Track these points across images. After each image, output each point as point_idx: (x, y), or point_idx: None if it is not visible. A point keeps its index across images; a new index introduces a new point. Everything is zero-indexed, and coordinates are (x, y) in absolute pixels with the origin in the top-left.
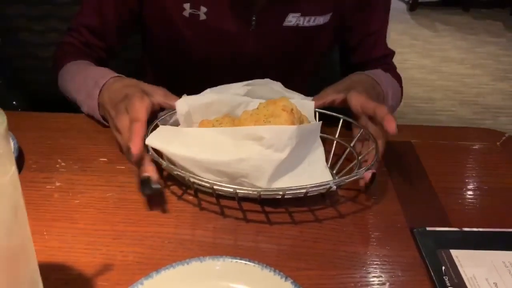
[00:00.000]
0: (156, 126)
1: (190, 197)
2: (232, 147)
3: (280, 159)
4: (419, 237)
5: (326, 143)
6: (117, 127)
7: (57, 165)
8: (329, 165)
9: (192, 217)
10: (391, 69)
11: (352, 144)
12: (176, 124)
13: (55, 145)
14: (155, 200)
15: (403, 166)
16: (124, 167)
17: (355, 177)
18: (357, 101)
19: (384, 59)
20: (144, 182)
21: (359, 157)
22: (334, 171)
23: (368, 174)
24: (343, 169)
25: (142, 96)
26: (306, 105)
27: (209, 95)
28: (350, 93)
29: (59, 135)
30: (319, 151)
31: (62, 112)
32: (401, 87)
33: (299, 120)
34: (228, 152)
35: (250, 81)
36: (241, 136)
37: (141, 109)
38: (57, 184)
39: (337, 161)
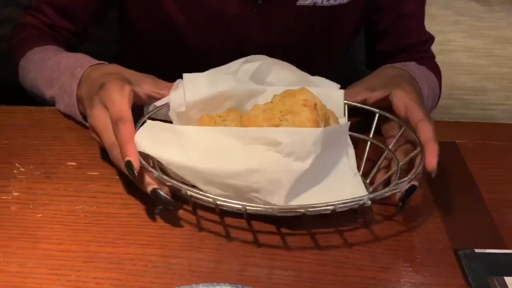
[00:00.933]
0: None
1: (185, 213)
2: (241, 154)
3: (301, 170)
4: (465, 261)
5: (358, 144)
6: (94, 128)
7: (15, 171)
8: (361, 172)
9: (184, 236)
10: (429, 59)
11: (390, 147)
12: (169, 119)
13: (12, 145)
14: (137, 214)
15: (446, 172)
16: (98, 173)
17: (394, 191)
18: (401, 102)
19: (421, 46)
20: (155, 197)
21: (400, 164)
22: (368, 181)
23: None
24: (379, 178)
25: (122, 85)
26: (332, 95)
27: (208, 85)
28: (395, 92)
29: (17, 133)
30: (349, 157)
31: (20, 105)
32: (440, 82)
33: (324, 117)
34: (235, 160)
35: (252, 56)
36: (252, 139)
37: (121, 103)
38: (15, 194)
39: (372, 167)
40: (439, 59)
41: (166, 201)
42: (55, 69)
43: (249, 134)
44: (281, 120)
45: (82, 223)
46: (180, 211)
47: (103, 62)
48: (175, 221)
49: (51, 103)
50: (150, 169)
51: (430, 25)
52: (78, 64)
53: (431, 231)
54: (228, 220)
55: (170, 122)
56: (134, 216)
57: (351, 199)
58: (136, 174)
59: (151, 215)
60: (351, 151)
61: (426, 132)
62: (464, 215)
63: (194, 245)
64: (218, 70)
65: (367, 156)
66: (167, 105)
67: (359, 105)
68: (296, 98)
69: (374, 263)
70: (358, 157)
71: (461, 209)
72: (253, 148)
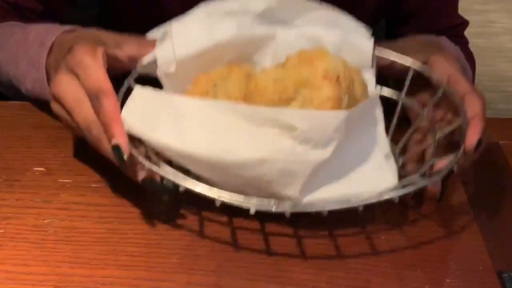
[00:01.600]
0: (130, 90)
1: (176, 227)
2: (248, 138)
3: (320, 159)
4: (510, 285)
5: (385, 107)
6: (60, 99)
7: None
8: (389, 137)
9: (175, 255)
10: (462, 45)
11: (425, 112)
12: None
13: None
14: (117, 229)
15: (487, 178)
16: (71, 181)
17: (432, 180)
18: (443, 69)
19: (453, 31)
20: (151, 187)
21: (437, 136)
22: (397, 150)
23: (442, 163)
24: (411, 153)
25: (93, 47)
26: (359, 46)
27: (203, 34)
28: (436, 58)
29: None
30: (379, 135)
31: None
32: (474, 72)
33: (348, 89)
34: (242, 147)
35: None
36: (262, 120)
37: (97, 70)
38: None
39: (402, 135)
40: (478, 43)
41: (165, 189)
42: (21, 43)
43: (258, 114)
44: (295, 93)
45: (52, 240)
46: (169, 225)
47: (78, 26)
48: (163, 237)
49: (16, 85)
50: (141, 159)
51: (467, 4)
52: (49, 31)
53: (470, 250)
54: (228, 232)
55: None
56: (114, 232)
57: (375, 194)
58: (125, 159)
59: (135, 230)
60: (381, 126)
61: (474, 105)
62: (509, 232)
63: (187, 266)
64: (214, 5)
65: (397, 121)
66: (153, 63)
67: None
68: (314, 66)
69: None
70: (386, 120)
71: (505, 223)
72: (263, 131)
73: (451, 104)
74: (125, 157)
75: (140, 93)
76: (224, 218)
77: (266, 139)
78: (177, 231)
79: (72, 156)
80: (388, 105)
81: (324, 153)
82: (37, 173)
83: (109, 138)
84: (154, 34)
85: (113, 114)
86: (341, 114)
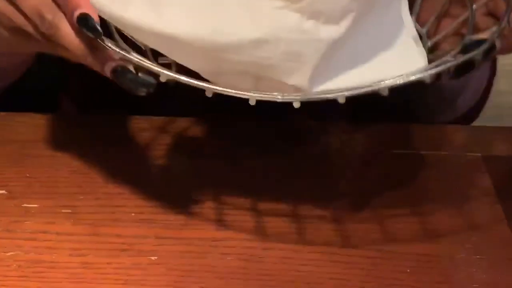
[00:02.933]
0: None
1: (161, 256)
2: (242, 12)
3: (333, 37)
4: None
5: None
6: None
7: None
8: (414, 16)
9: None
10: None
11: None
12: None
13: None
14: (92, 263)
15: None
16: (37, 205)
17: (465, 58)
18: None
19: None
20: (123, 79)
21: (474, 6)
22: (425, 30)
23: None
24: (441, 29)
25: None
26: None
27: None
28: None
29: None
30: (402, 10)
31: None
32: None
33: None
34: (234, 24)
35: None
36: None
37: None
38: None
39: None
40: None
41: (141, 81)
42: None
43: None
44: None
45: (15, 276)
46: (154, 258)
47: None
48: (146, 273)
49: None
50: (110, 45)
51: None
52: None
53: (497, 244)
54: (221, 272)
55: None
56: (88, 266)
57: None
58: (99, 30)
59: (113, 265)
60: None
61: None
62: None
63: None
64: None
65: None
66: None
67: None
68: None
69: None
70: None
71: None
72: (262, 3)
73: None
74: (98, 26)
75: None
76: (217, 258)
77: (266, 13)
78: (163, 265)
79: (38, 176)
80: None
81: (338, 30)
82: None
83: (71, 10)
84: None
85: None
86: None
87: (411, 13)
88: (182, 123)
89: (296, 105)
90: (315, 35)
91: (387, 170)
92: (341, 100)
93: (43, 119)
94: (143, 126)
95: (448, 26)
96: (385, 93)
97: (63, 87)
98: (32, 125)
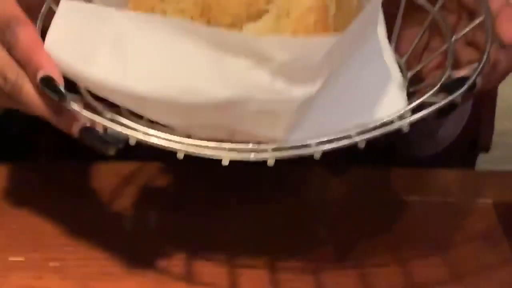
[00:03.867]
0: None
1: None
2: (213, 70)
3: (306, 97)
4: None
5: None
6: None
7: None
8: (393, 44)
9: None
10: None
11: (436, 8)
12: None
13: None
14: None
15: None
16: (22, 259)
17: (448, 97)
18: None
19: None
20: (93, 139)
21: (453, 38)
22: (403, 59)
23: (462, 73)
24: (420, 62)
25: None
26: None
27: None
28: None
29: None
30: (381, 46)
31: None
32: None
33: None
34: (205, 82)
35: None
36: (229, 48)
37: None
38: None
39: (408, 41)
40: None
41: (111, 141)
42: None
43: (225, 39)
44: (268, 4)
45: None
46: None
47: None
48: None
49: None
50: (75, 108)
51: None
52: None
53: (504, 281)
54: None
55: None
56: None
57: (379, 123)
58: (64, 93)
59: None
60: (384, 38)
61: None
62: None
63: None
64: None
65: (401, 22)
66: None
67: None
68: None
69: None
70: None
71: None
72: (232, 62)
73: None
74: (62, 89)
75: (67, 9)
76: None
77: (237, 72)
78: None
79: (24, 227)
80: None
81: (311, 88)
82: None
83: (33, 71)
84: None
85: (33, 42)
86: (331, 41)
87: (389, 42)
88: (153, 169)
89: (271, 163)
90: (287, 94)
91: (384, 217)
92: (317, 156)
93: (23, 168)
94: (122, 171)
95: (427, 58)
96: (362, 145)
97: (38, 130)
98: (12, 174)
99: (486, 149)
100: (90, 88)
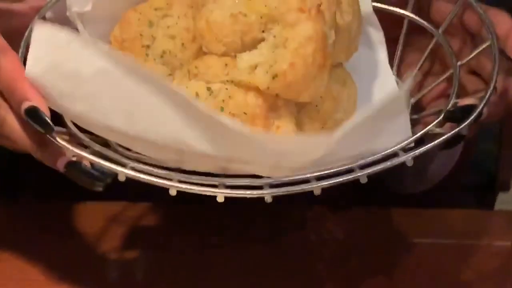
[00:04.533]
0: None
1: None
2: (194, 126)
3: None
4: None
5: (386, 22)
6: None
7: None
8: (394, 69)
9: None
10: None
11: (441, 31)
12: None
13: None
14: None
15: None
16: None
17: (454, 129)
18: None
19: None
20: (79, 175)
21: (458, 63)
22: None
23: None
24: (422, 88)
25: None
26: None
27: None
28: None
29: None
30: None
31: None
32: None
33: (334, 18)
34: (188, 134)
35: None
36: (221, 130)
37: None
38: None
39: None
40: None
41: (98, 176)
42: None
43: (214, 121)
44: (263, 32)
45: None
46: None
47: None
48: None
49: None
50: (62, 142)
51: None
52: None
53: None
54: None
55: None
56: None
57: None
58: (50, 124)
59: None
60: (384, 55)
61: (504, 18)
62: None
63: None
64: None
65: (403, 43)
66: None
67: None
68: None
69: None
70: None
71: None
72: (224, 138)
73: (470, 27)
74: (48, 120)
75: (43, 35)
76: None
77: (226, 140)
78: None
79: (4, 269)
80: None
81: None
82: None
83: (18, 102)
84: None
85: (16, 71)
86: (331, 139)
87: (391, 66)
88: (141, 209)
89: (268, 200)
90: (282, 169)
91: (391, 260)
92: (317, 192)
93: (4, 207)
94: (108, 211)
95: (431, 84)
96: (364, 180)
97: (19, 168)
98: None
99: (506, 188)
100: (75, 120)
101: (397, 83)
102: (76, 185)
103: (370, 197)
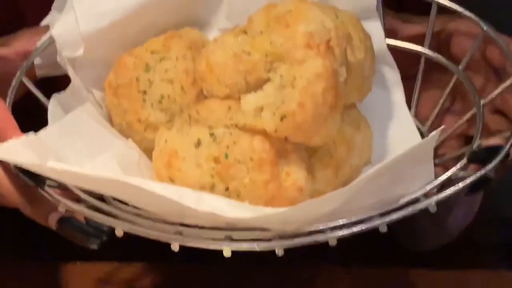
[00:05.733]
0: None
1: None
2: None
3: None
4: None
5: (402, 59)
6: None
7: None
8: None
9: None
10: None
11: (461, 67)
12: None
13: None
14: None
15: None
16: None
17: (489, 167)
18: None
19: None
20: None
21: (482, 102)
22: (426, 129)
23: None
24: (445, 127)
25: None
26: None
27: None
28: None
29: None
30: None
31: None
32: None
33: (344, 55)
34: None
35: None
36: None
37: None
38: None
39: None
40: None
41: (93, 233)
42: None
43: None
44: (269, 71)
45: None
46: None
47: None
48: None
49: None
50: (53, 195)
51: None
52: None
53: None
54: None
55: None
56: None
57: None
58: (40, 182)
59: None
60: (400, 96)
61: None
62: None
63: None
64: None
65: (421, 84)
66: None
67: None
68: (291, 29)
69: None
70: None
71: None
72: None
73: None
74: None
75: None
76: None
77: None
78: None
79: None
80: None
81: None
82: None
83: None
84: (51, 17)
85: (4, 121)
86: (342, 196)
87: (409, 108)
88: (134, 270)
89: (280, 252)
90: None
91: None
92: (333, 243)
93: None
94: (97, 273)
95: (452, 123)
96: (384, 230)
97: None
98: None
99: None
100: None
101: (416, 126)
102: (67, 243)
103: (383, 256)
